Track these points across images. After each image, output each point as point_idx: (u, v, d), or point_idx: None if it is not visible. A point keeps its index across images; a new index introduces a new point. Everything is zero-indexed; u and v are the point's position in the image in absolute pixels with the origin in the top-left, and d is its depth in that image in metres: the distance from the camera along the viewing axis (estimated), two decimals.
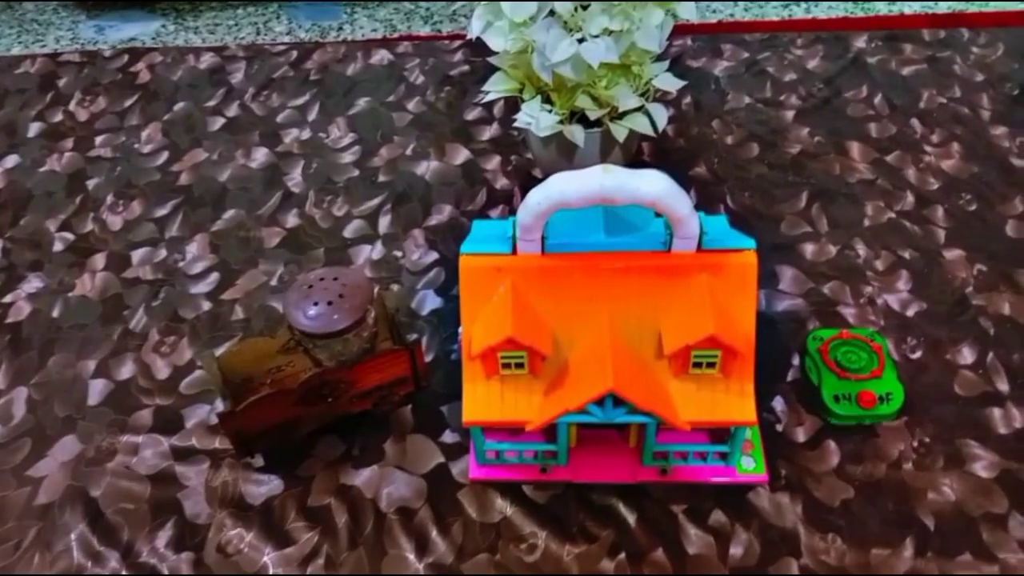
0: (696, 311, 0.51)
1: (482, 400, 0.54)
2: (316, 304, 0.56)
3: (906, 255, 0.74)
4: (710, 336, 0.49)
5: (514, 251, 0.53)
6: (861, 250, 0.74)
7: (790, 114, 0.87)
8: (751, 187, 0.80)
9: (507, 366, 0.53)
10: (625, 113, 0.69)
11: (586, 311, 0.53)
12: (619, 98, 0.68)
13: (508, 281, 0.53)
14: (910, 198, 0.79)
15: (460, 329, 0.54)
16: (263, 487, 0.60)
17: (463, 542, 0.57)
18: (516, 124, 0.70)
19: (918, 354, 0.67)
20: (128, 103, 0.93)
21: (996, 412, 0.63)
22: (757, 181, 0.80)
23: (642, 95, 0.70)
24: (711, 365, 0.52)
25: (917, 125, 0.86)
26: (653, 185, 0.48)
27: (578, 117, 0.70)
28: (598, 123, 0.70)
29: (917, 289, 0.71)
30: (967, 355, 0.66)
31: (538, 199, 0.49)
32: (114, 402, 0.66)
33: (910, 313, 0.70)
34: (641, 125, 0.68)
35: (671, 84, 0.70)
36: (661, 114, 0.69)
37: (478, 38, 0.68)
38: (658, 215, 0.54)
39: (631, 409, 0.51)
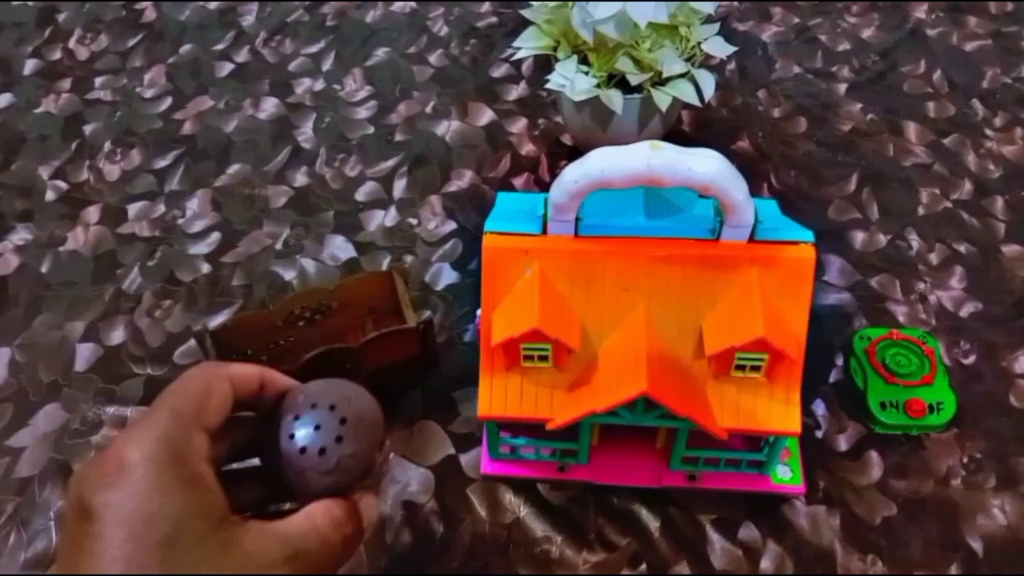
0: (744, 309, 0.46)
1: (499, 394, 0.49)
2: (304, 451, 0.38)
3: (962, 249, 0.68)
4: (759, 339, 0.44)
5: (544, 231, 0.48)
6: (914, 241, 0.68)
7: (842, 87, 0.80)
8: (797, 166, 0.74)
9: (529, 358, 0.48)
10: (669, 79, 0.63)
11: (621, 302, 0.48)
12: (663, 62, 0.62)
13: (536, 265, 0.47)
14: (968, 186, 0.73)
15: (478, 312, 0.49)
16: None
17: (471, 543, 0.53)
18: (548, 86, 0.64)
19: (971, 359, 0.61)
20: (131, 43, 0.87)
21: None
22: (804, 159, 0.74)
23: (688, 60, 0.63)
24: (755, 369, 0.47)
25: (979, 106, 0.79)
26: (707, 166, 0.42)
27: (616, 81, 0.64)
28: (638, 88, 0.63)
29: (972, 288, 0.66)
30: None
31: (575, 177, 0.44)
32: (103, 369, 0.62)
33: (964, 314, 0.64)
34: (686, 93, 0.62)
35: (722, 49, 0.63)
36: (709, 82, 0.63)
37: None
38: (701, 195, 0.49)
39: (664, 413, 0.46)
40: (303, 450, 0.37)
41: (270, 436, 0.39)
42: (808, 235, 0.47)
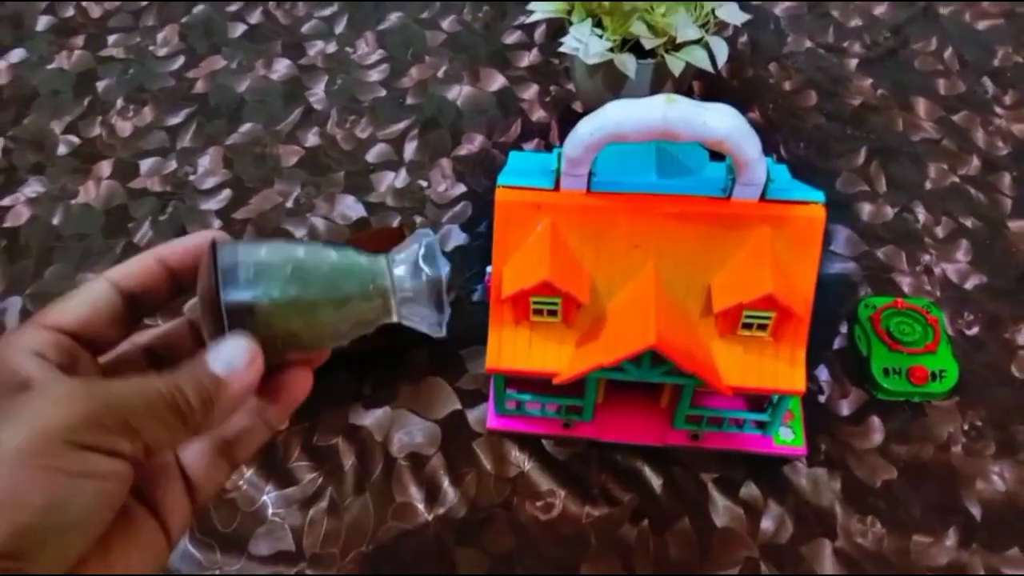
0: (753, 267, 0.46)
1: (508, 347, 0.49)
2: None
3: (968, 223, 0.68)
4: (767, 296, 0.45)
5: (556, 187, 0.48)
6: (920, 214, 0.69)
7: (853, 62, 0.81)
8: (807, 138, 0.74)
9: (538, 312, 0.48)
10: (682, 45, 0.63)
11: (631, 259, 0.48)
12: (677, 27, 0.62)
13: (547, 220, 0.48)
14: (976, 162, 0.73)
15: (488, 269, 0.49)
16: None
17: (476, 495, 0.53)
18: (562, 49, 0.64)
19: (974, 330, 0.62)
20: (144, 2, 0.87)
21: None
22: (814, 132, 0.74)
23: (702, 26, 0.64)
24: (762, 327, 0.48)
25: (989, 84, 0.79)
26: (722, 121, 0.43)
27: (630, 46, 0.64)
28: (651, 54, 0.63)
29: (978, 261, 0.66)
30: None
31: (590, 129, 0.44)
32: None
33: (968, 286, 0.64)
34: (699, 59, 0.62)
35: (736, 17, 0.63)
36: (722, 49, 0.63)
37: None
38: (713, 157, 0.49)
39: (670, 369, 0.47)
40: None
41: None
42: (819, 195, 0.47)
